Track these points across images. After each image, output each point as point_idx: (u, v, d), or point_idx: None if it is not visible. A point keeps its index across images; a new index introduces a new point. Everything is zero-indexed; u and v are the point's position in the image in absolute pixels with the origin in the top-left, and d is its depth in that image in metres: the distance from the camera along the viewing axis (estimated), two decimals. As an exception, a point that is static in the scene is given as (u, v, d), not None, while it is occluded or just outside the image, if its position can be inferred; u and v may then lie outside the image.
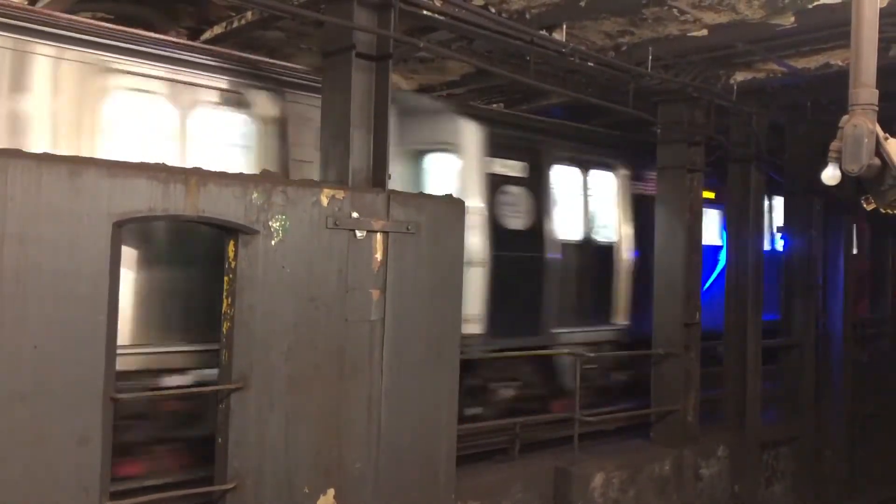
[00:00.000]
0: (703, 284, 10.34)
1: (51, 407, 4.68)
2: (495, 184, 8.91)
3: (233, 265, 5.52)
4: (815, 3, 7.05)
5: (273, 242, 5.58)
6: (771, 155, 11.21)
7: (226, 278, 5.57)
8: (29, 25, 5.82)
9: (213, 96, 6.73)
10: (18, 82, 5.79)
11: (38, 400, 4.65)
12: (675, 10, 7.44)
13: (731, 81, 9.59)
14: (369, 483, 6.07)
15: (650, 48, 8.27)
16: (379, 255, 6.10)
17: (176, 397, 6.28)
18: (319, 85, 6.74)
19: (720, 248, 12.06)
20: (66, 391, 4.73)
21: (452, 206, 6.72)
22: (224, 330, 5.56)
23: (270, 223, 5.56)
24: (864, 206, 4.99)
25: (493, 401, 8.88)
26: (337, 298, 5.89)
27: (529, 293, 9.21)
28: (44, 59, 5.89)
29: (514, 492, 7.94)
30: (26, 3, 7.04)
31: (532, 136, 9.57)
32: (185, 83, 6.55)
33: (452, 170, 8.65)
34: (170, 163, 5.38)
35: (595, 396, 9.90)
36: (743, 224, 10.73)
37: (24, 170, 4.61)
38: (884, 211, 5.05)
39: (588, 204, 10.18)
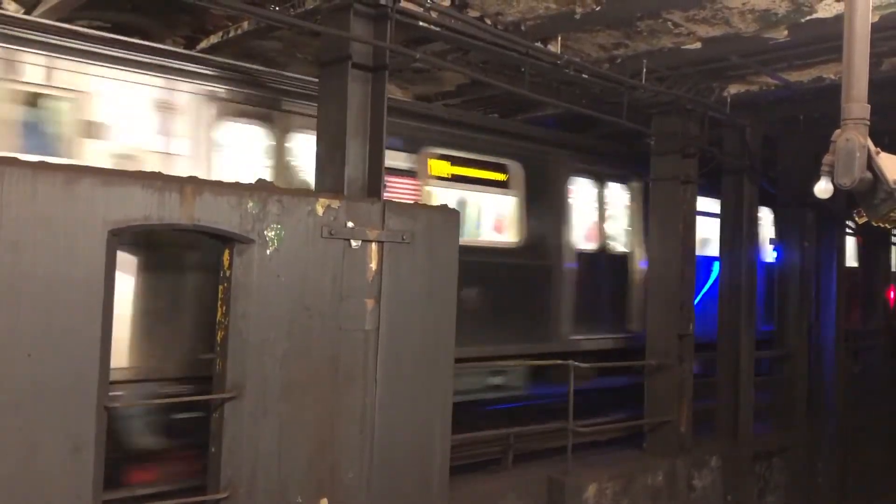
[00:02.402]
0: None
1: (44, 415, 4.67)
2: None
3: (228, 274, 5.52)
4: (808, 18, 7.11)
5: (268, 251, 5.59)
6: (764, 167, 11.27)
7: (220, 287, 5.57)
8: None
9: None
10: None
11: (32, 408, 4.64)
12: (669, 23, 7.50)
13: (725, 94, 9.66)
14: (362, 492, 6.06)
15: (644, 60, 8.33)
16: (373, 265, 6.11)
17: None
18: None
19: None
20: (59, 399, 4.72)
21: (447, 216, 6.74)
22: (218, 338, 5.55)
23: (266, 232, 5.57)
24: (856, 219, 5.02)
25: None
26: (331, 307, 5.89)
27: None
28: None
29: (507, 502, 7.95)
30: (22, 12, 7.06)
31: None
32: None
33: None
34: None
35: None
36: (736, 235, 10.79)
37: (20, 178, 4.61)
38: (875, 224, 5.08)
39: None
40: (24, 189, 4.62)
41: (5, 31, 5.94)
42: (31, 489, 4.64)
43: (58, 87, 6.23)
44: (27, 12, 7.07)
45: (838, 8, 6.73)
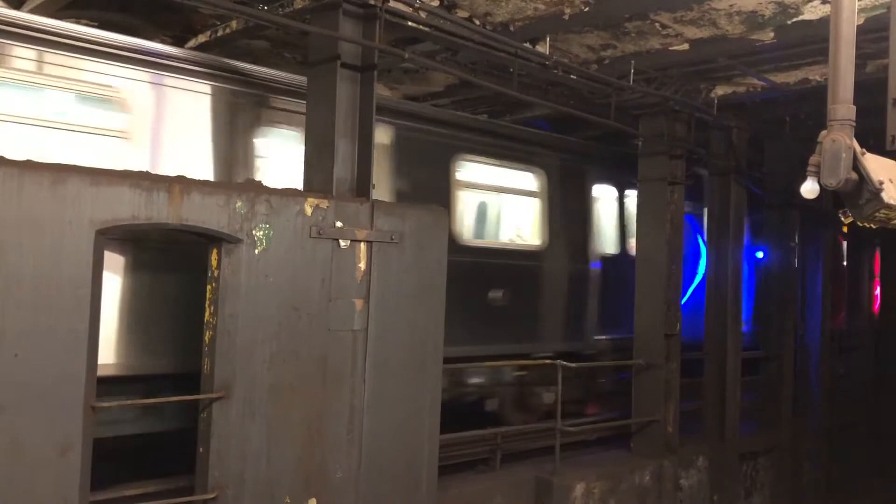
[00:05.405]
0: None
1: (31, 416, 4.64)
2: None
3: (216, 274, 5.50)
4: (794, 20, 7.17)
5: (256, 251, 5.57)
6: (751, 168, 11.34)
7: (208, 287, 5.55)
8: None
9: None
10: None
11: (19, 409, 4.61)
12: (657, 25, 7.54)
13: (712, 95, 9.72)
14: (350, 492, 6.05)
15: (632, 62, 8.37)
16: (362, 265, 6.11)
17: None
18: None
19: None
20: (47, 400, 4.69)
21: (435, 216, 6.74)
22: (206, 339, 5.53)
23: (254, 232, 5.56)
24: (842, 219, 5.06)
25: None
26: (320, 308, 5.88)
27: None
28: None
29: (495, 502, 7.95)
30: (8, 6, 7.00)
31: None
32: None
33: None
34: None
35: None
36: (723, 236, 10.84)
37: (6, 177, 4.58)
38: (861, 224, 5.11)
39: None
40: (11, 188, 4.59)
41: None
42: (18, 490, 4.61)
43: None
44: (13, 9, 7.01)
45: (824, 10, 6.79)
